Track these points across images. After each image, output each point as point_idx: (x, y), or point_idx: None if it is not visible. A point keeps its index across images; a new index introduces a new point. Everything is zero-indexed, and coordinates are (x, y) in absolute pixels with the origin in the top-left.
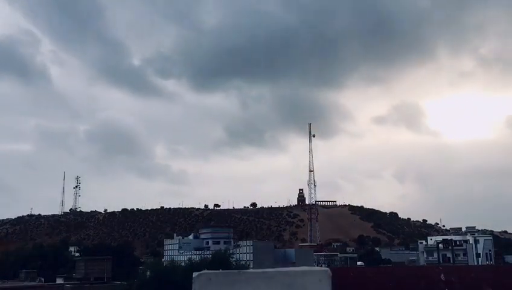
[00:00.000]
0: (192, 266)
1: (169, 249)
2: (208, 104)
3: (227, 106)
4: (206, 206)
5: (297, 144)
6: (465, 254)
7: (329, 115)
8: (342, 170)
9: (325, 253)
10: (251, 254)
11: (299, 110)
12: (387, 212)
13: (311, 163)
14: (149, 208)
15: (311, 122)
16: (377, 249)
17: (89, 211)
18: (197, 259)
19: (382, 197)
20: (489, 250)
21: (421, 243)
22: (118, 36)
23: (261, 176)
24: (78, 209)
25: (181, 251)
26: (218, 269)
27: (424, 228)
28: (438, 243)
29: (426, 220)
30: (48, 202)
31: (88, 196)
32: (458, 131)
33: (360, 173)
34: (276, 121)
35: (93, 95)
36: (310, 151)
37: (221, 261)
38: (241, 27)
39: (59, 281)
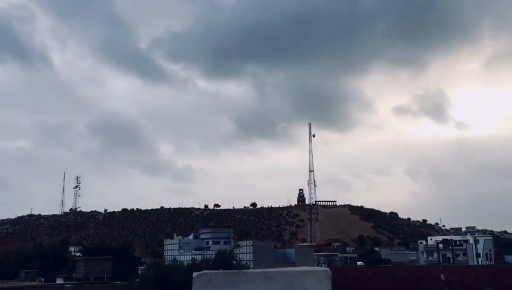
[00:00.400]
0: (195, 266)
1: (169, 249)
2: (219, 92)
3: (240, 95)
4: (206, 206)
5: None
6: (465, 254)
7: (349, 104)
8: (353, 167)
9: (325, 253)
10: (251, 254)
11: (316, 99)
12: (387, 212)
13: (311, 163)
14: (149, 208)
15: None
16: (377, 249)
17: (89, 211)
18: (199, 259)
19: (392, 195)
20: (489, 250)
21: (421, 243)
22: (123, 14)
23: (268, 172)
24: (78, 209)
25: (181, 251)
26: (219, 269)
27: (424, 228)
28: (438, 243)
29: (426, 220)
30: (48, 202)
31: (88, 194)
32: (483, 125)
33: (372, 170)
34: (291, 111)
35: (94, 82)
36: (310, 151)
37: (224, 262)
38: (263, 4)
39: (59, 281)
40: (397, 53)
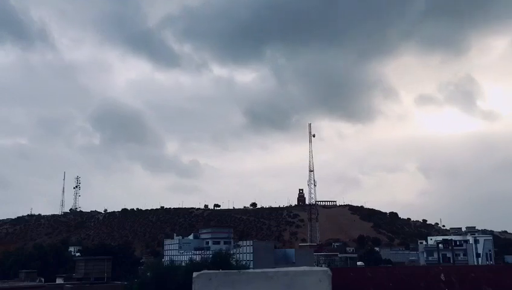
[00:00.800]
0: (193, 266)
1: (169, 249)
2: (233, 78)
3: (255, 82)
4: (206, 206)
5: (327, 129)
6: (465, 254)
7: (372, 92)
8: (365, 163)
9: (325, 253)
10: (251, 254)
11: (337, 87)
12: (387, 212)
13: (311, 163)
14: (149, 208)
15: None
16: (377, 249)
17: (89, 211)
18: (198, 259)
19: (401, 194)
20: (489, 250)
21: (421, 243)
22: None
23: (275, 170)
24: (78, 209)
25: (181, 251)
26: (219, 269)
27: (424, 228)
28: (438, 243)
29: (426, 220)
30: (47, 201)
31: (89, 192)
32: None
33: (383, 166)
34: (307, 101)
35: (95, 67)
36: (310, 152)
37: (221, 262)
38: None
39: (59, 281)
40: (431, 33)
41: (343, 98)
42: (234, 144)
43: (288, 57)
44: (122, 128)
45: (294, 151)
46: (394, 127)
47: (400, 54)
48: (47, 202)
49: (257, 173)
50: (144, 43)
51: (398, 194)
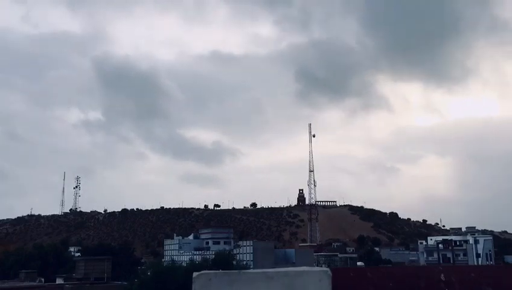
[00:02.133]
0: (194, 266)
1: (169, 249)
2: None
3: (322, 27)
4: (206, 206)
5: (394, 98)
6: (465, 254)
7: (473, 35)
8: (414, 145)
9: (325, 253)
10: (251, 254)
11: (421, 31)
12: (387, 212)
13: (311, 163)
14: (149, 208)
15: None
16: (377, 249)
17: (89, 211)
18: (199, 259)
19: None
20: (489, 250)
21: (421, 243)
22: None
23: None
24: (78, 209)
25: (181, 251)
26: (219, 270)
27: (424, 228)
28: (438, 243)
29: (426, 220)
30: (45, 193)
31: (90, 185)
32: None
33: (433, 150)
34: (378, 54)
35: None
36: (310, 152)
37: (223, 262)
38: None
39: (59, 281)
40: None
41: (426, 50)
42: (276, 121)
43: None
44: (131, 100)
45: (357, 124)
46: (476, 97)
47: None
48: (46, 198)
49: (260, 170)
50: None
51: (408, 192)
